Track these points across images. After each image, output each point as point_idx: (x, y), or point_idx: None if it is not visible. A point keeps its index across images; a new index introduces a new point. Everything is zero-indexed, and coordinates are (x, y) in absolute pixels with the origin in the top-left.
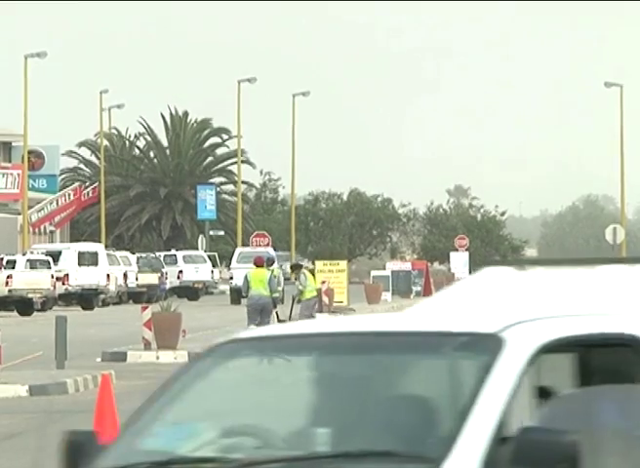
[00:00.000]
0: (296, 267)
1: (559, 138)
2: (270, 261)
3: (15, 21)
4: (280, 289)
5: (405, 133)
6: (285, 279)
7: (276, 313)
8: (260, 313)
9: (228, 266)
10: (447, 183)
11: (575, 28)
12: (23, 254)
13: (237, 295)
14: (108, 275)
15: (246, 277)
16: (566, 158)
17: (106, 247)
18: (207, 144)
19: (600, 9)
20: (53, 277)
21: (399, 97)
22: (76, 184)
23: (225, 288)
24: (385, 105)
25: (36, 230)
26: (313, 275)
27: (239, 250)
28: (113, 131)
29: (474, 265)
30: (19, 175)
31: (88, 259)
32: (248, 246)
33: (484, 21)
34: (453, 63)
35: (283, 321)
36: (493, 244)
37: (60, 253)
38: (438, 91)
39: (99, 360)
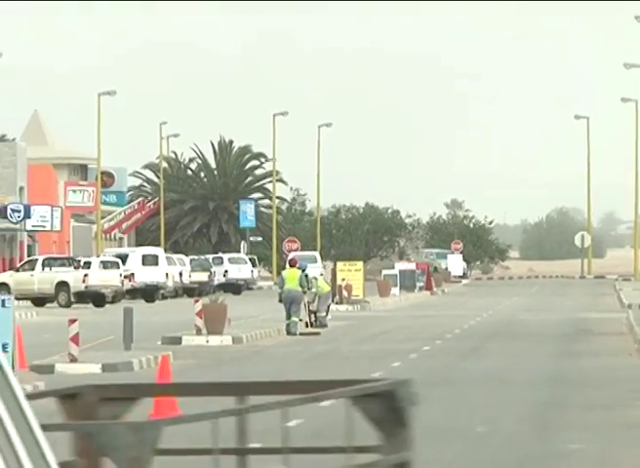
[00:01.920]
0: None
1: (538, 161)
2: (294, 263)
3: (89, 64)
4: (313, 289)
5: (411, 156)
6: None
7: (307, 304)
8: (291, 303)
9: (266, 266)
10: (445, 198)
11: (550, 70)
12: (97, 257)
13: None
14: (167, 274)
15: (282, 275)
16: (542, 177)
17: (165, 250)
18: (247, 166)
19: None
20: (121, 275)
21: (404, 127)
22: (140, 199)
23: (263, 284)
24: (394, 133)
25: (107, 236)
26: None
27: (292, 254)
28: (171, 155)
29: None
30: (93, 191)
31: (150, 261)
32: (280, 250)
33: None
34: (450, 99)
35: (313, 311)
36: (482, 247)
37: (127, 255)
38: (435, 123)
39: (159, 343)
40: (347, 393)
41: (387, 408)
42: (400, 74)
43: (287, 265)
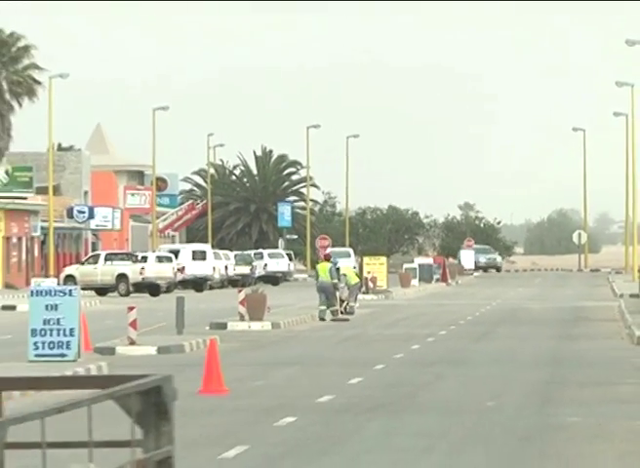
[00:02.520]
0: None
1: (540, 168)
2: (329, 257)
3: (147, 79)
4: (341, 283)
5: (428, 163)
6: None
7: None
8: (324, 293)
9: (301, 261)
10: (459, 200)
11: (552, 85)
12: (153, 252)
13: None
14: (214, 267)
15: (316, 268)
16: (544, 182)
17: (212, 247)
18: (285, 173)
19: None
20: (174, 268)
21: (422, 137)
22: (190, 201)
23: (298, 276)
24: (413, 143)
25: (162, 234)
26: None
27: (330, 249)
28: (218, 162)
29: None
30: (149, 194)
31: (199, 256)
32: (315, 246)
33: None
34: (463, 109)
35: (343, 300)
36: (491, 244)
37: (179, 251)
38: (451, 133)
39: (207, 328)
40: (112, 394)
41: (149, 403)
42: (416, 86)
43: (322, 259)
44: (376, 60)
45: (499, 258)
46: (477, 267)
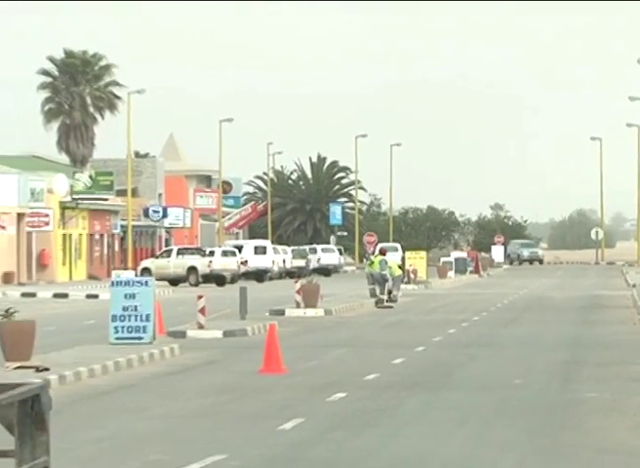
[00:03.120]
0: (380, 252)
1: (562, 172)
2: (384, 252)
3: (213, 92)
4: (385, 271)
5: (462, 167)
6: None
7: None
8: (376, 282)
9: (350, 255)
10: (490, 201)
11: (572, 97)
12: (219, 247)
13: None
14: (273, 260)
15: (370, 259)
16: (566, 184)
17: (272, 242)
18: (336, 177)
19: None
20: (238, 261)
21: (457, 143)
22: (252, 202)
23: (348, 268)
24: (449, 149)
25: (227, 232)
26: (376, 257)
27: (382, 244)
28: (277, 168)
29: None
30: (216, 196)
31: (260, 250)
32: (363, 243)
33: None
34: (496, 121)
35: (390, 291)
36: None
37: (242, 246)
38: (483, 138)
39: (267, 314)
40: None
41: (25, 413)
42: (452, 97)
43: (377, 253)
44: (416, 75)
45: (540, 252)
46: (521, 260)
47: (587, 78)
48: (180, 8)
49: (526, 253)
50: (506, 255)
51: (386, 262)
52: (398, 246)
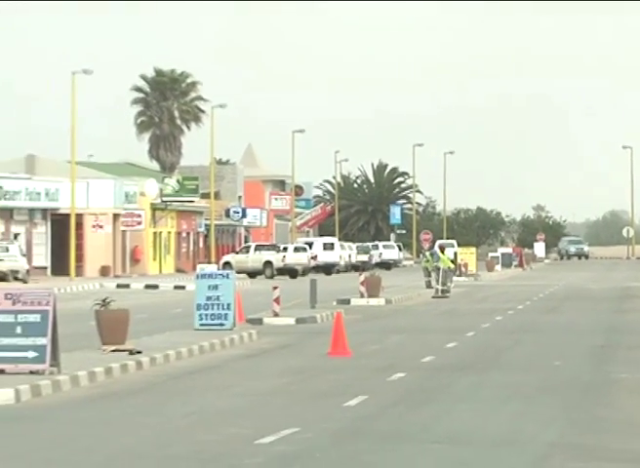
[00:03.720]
0: (441, 249)
1: (598, 176)
2: (443, 248)
3: (285, 109)
4: (439, 265)
5: (508, 171)
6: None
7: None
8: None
9: (409, 251)
10: (532, 202)
11: (606, 107)
12: (292, 244)
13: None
14: (340, 256)
15: (426, 256)
16: (601, 188)
17: (339, 239)
18: (395, 181)
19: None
20: (308, 256)
21: (502, 150)
22: (322, 204)
23: (406, 263)
24: (496, 155)
25: (299, 230)
26: (443, 253)
27: (438, 241)
28: (343, 173)
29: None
30: (289, 199)
31: (328, 246)
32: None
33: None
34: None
35: (444, 283)
36: (558, 238)
37: (312, 243)
38: (526, 146)
39: (334, 303)
40: None
41: None
42: (497, 106)
43: (437, 249)
44: (468, 94)
45: (586, 248)
46: (568, 255)
47: (619, 92)
48: (249, 29)
49: (572, 249)
50: (557, 251)
51: (438, 256)
52: (454, 242)
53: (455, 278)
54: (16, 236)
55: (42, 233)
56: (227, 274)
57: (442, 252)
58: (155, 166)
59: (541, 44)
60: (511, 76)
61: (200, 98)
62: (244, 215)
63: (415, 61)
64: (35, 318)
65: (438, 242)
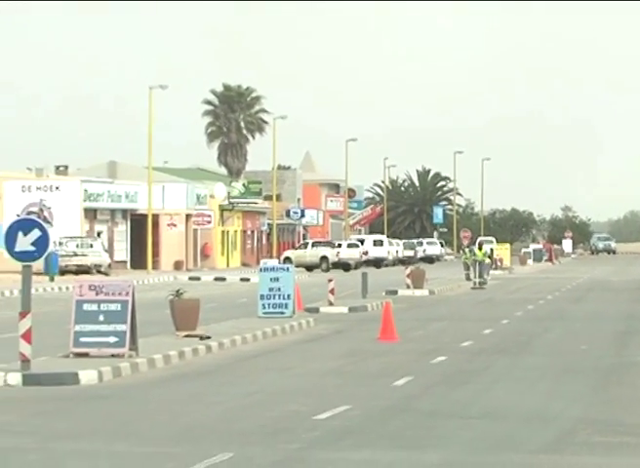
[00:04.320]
0: (479, 245)
1: (619, 179)
2: (480, 245)
3: (341, 122)
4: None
5: (537, 175)
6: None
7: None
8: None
9: (450, 247)
10: (560, 203)
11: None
12: (345, 240)
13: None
14: (388, 251)
15: (465, 252)
16: (622, 190)
17: (387, 237)
18: (438, 185)
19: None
20: (360, 252)
21: (534, 156)
22: (372, 205)
23: (448, 257)
24: (528, 160)
25: (352, 228)
26: (480, 250)
27: (479, 238)
28: (392, 177)
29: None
30: (342, 200)
31: (378, 243)
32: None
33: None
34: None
35: (481, 275)
36: (584, 235)
37: (364, 240)
38: (555, 153)
39: (383, 294)
40: None
41: None
42: (534, 116)
43: (477, 245)
44: (504, 109)
45: (613, 244)
46: (597, 251)
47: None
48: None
49: (601, 245)
50: (588, 247)
51: (474, 251)
52: (493, 239)
53: (491, 271)
54: (99, 234)
55: (122, 231)
56: (287, 268)
57: (480, 248)
58: (223, 171)
59: (579, 66)
60: (544, 96)
61: (263, 111)
62: (302, 215)
63: (464, 77)
64: (116, 307)
65: (479, 239)
